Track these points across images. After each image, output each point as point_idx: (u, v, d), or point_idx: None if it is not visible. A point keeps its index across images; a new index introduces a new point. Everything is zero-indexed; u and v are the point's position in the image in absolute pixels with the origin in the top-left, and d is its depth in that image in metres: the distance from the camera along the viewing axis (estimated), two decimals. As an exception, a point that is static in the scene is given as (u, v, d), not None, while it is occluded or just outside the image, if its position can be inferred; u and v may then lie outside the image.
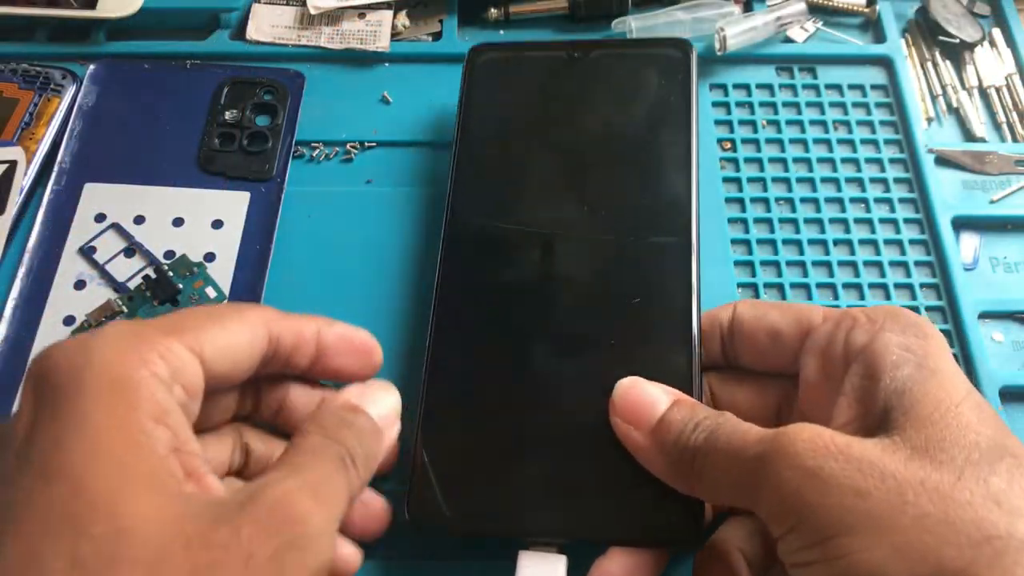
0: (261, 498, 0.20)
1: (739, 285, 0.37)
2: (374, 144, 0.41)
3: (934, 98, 0.43)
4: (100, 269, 0.37)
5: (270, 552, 0.19)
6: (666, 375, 0.27)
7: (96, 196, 0.38)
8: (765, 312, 0.28)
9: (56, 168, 0.39)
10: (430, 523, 0.27)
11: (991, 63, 0.44)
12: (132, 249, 0.37)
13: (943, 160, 0.41)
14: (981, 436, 0.21)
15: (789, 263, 0.38)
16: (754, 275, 0.38)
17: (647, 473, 0.26)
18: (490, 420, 0.28)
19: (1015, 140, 0.42)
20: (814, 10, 0.45)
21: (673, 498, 0.26)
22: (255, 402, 0.28)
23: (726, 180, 0.40)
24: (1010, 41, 0.44)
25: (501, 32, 0.44)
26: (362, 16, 0.44)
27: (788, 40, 0.44)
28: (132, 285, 0.36)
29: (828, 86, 0.43)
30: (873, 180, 0.40)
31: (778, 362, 0.28)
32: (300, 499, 0.21)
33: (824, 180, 0.40)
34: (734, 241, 0.39)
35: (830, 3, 0.45)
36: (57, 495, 0.18)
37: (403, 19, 0.44)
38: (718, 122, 0.42)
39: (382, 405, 0.26)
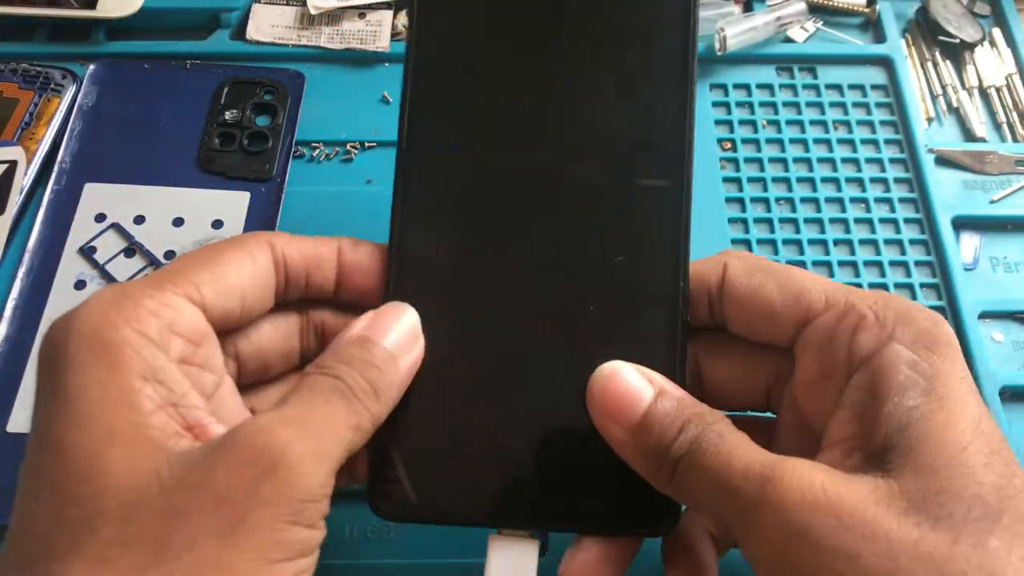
0: (237, 435, 0.20)
1: (739, 285, 0.37)
2: (374, 144, 0.41)
3: (934, 98, 0.43)
4: (100, 269, 0.37)
5: (245, 485, 0.19)
6: (648, 351, 0.25)
7: (96, 196, 0.38)
8: (760, 283, 0.25)
9: (56, 168, 0.39)
10: (393, 510, 0.25)
11: (991, 63, 0.44)
12: (132, 249, 0.37)
13: (943, 160, 0.41)
14: (984, 487, 0.20)
15: (789, 263, 0.38)
16: (754, 275, 0.38)
17: (623, 461, 0.24)
18: (457, 399, 0.26)
19: (1015, 140, 0.42)
20: (814, 10, 0.45)
21: (650, 487, 0.24)
22: (320, 344, 0.27)
23: (726, 180, 0.40)
24: (1010, 41, 0.45)
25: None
26: (362, 16, 0.44)
27: (788, 40, 0.44)
28: (132, 285, 0.36)
29: (828, 86, 0.43)
30: (873, 180, 0.40)
31: (771, 338, 0.26)
32: (277, 430, 0.20)
33: (824, 180, 0.40)
34: (734, 241, 0.39)
35: (830, 3, 0.45)
36: (45, 462, 0.19)
37: (403, 19, 0.44)
38: (718, 122, 0.42)
39: (395, 330, 0.24)
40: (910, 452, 0.21)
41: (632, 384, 0.24)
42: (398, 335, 0.24)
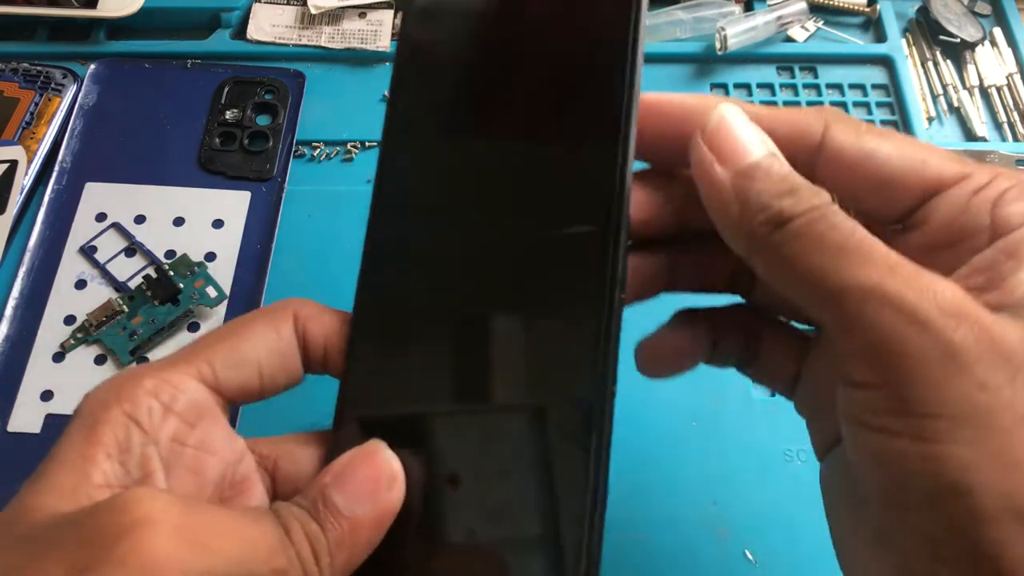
0: (127, 492, 0.20)
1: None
2: (375, 143, 0.40)
3: (935, 97, 0.43)
4: (101, 268, 0.37)
5: (105, 536, 0.19)
6: (569, 418, 0.23)
7: (97, 195, 0.38)
8: (874, 148, 0.22)
9: (57, 167, 0.39)
10: None
11: (992, 62, 0.44)
12: (133, 249, 0.37)
13: (944, 159, 0.41)
14: None
15: (790, 262, 0.38)
16: (755, 274, 0.38)
17: (554, 532, 0.22)
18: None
19: (1016, 139, 0.42)
20: (815, 9, 0.45)
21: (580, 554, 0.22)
22: None
23: (727, 179, 0.40)
24: (1011, 40, 0.44)
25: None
26: (363, 16, 0.44)
27: (789, 39, 0.44)
28: (133, 284, 0.36)
29: (829, 85, 0.43)
30: (874, 179, 0.40)
31: (881, 211, 0.23)
32: (160, 501, 0.20)
33: (825, 179, 0.40)
34: (735, 240, 0.38)
35: (831, 2, 0.45)
36: (9, 509, 0.21)
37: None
38: (719, 121, 0.42)
39: (357, 482, 0.22)
40: None
41: (748, 132, 0.22)
42: (359, 487, 0.22)
